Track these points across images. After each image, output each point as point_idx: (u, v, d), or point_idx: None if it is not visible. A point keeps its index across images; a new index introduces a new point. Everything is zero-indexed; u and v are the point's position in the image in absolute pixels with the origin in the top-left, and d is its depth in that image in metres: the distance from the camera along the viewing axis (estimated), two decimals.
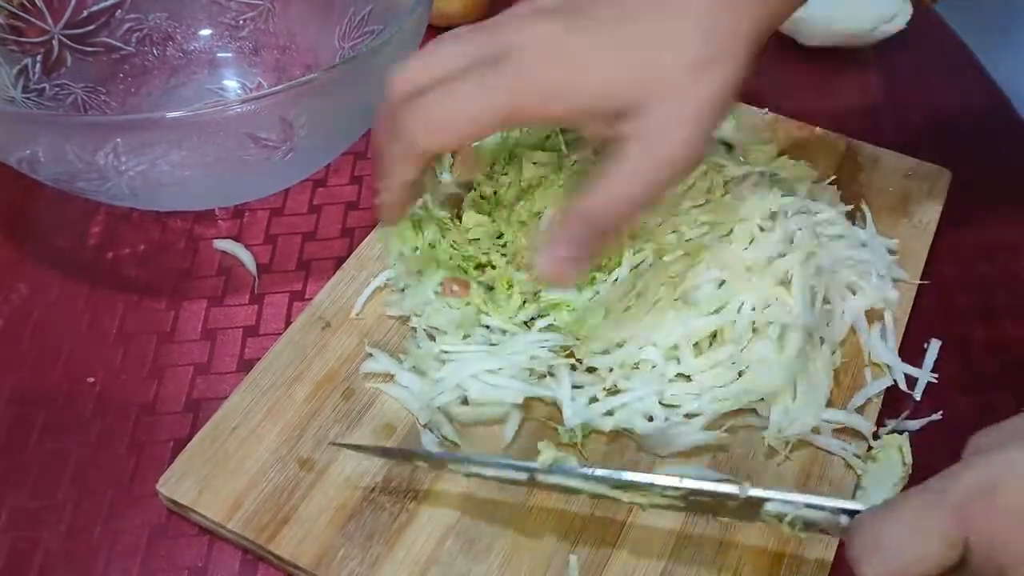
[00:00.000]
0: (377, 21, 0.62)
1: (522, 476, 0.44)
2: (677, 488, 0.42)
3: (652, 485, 0.42)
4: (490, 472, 0.45)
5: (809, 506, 0.40)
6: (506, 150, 0.60)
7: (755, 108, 0.65)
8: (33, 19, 0.61)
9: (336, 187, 0.63)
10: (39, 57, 0.61)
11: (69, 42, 0.62)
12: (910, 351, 0.54)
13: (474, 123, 0.43)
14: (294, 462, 0.48)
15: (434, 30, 0.72)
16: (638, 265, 0.52)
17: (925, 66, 0.74)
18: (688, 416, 0.49)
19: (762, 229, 0.53)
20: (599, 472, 0.43)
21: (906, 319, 0.55)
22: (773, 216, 0.53)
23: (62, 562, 0.47)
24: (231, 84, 0.67)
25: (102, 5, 0.63)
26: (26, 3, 0.60)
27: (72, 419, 0.52)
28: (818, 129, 0.65)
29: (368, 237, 0.58)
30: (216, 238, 0.60)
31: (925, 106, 0.71)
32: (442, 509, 0.47)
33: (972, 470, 0.35)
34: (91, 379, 0.53)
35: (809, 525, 0.41)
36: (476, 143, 0.59)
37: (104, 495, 0.49)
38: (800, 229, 0.53)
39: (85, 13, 0.63)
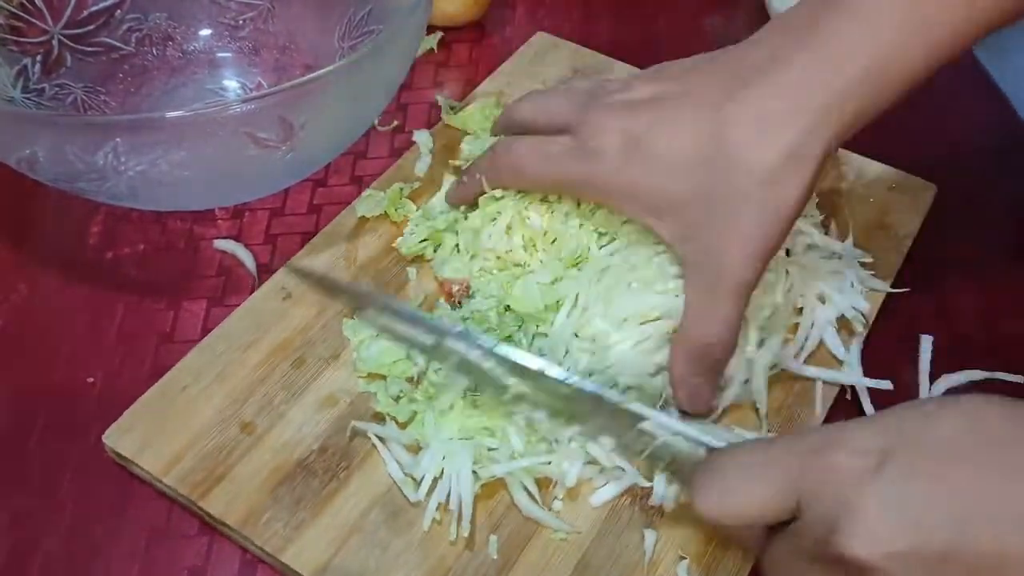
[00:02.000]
0: (377, 21, 0.62)
1: (430, 339, 0.45)
2: (564, 383, 0.43)
3: (542, 374, 0.44)
4: (401, 327, 0.46)
5: (677, 434, 0.42)
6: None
7: None
8: (33, 19, 0.61)
9: (336, 187, 0.63)
10: (39, 57, 0.61)
11: (69, 42, 0.62)
12: (906, 365, 0.54)
13: (550, 185, 0.51)
14: (236, 424, 0.49)
15: (434, 30, 0.73)
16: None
17: None
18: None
19: None
20: (499, 348, 0.44)
21: (866, 332, 0.54)
22: None
23: (62, 562, 0.47)
24: (231, 84, 0.66)
25: (102, 5, 0.63)
26: (26, 3, 0.60)
27: (72, 419, 0.52)
28: None
29: (339, 215, 0.59)
30: (216, 238, 0.60)
31: (924, 106, 0.70)
32: (372, 481, 0.48)
33: (818, 432, 0.37)
34: (91, 379, 0.53)
35: (671, 463, 0.42)
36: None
37: (104, 495, 0.49)
38: None
39: (85, 13, 0.63)
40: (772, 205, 0.43)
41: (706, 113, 0.44)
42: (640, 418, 0.43)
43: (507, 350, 0.44)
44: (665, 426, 0.42)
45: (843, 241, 0.57)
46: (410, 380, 0.50)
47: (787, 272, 0.52)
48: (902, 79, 0.43)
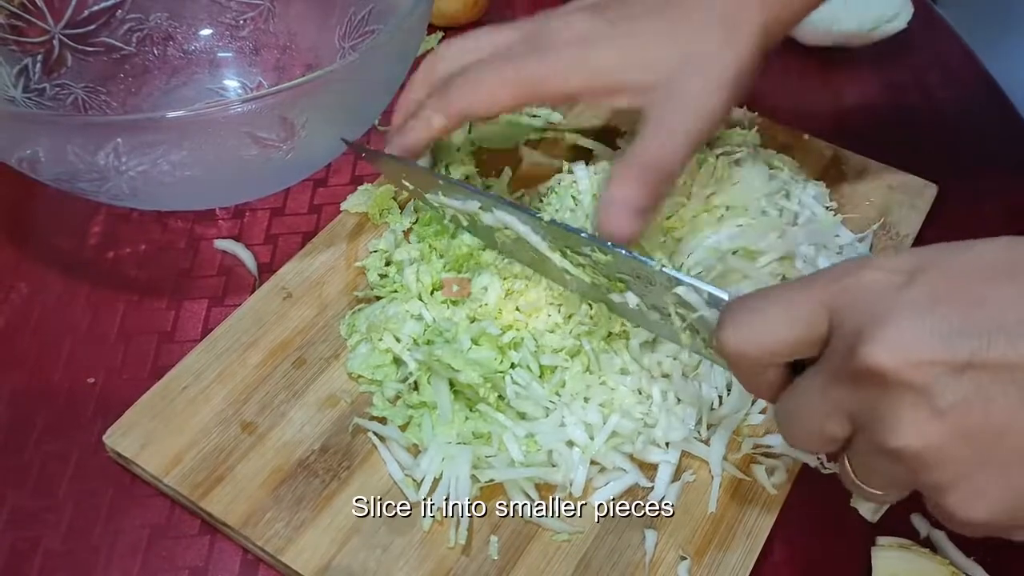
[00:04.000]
0: (377, 21, 0.62)
1: (475, 204, 0.49)
2: (605, 251, 0.44)
3: (585, 241, 0.45)
4: (455, 201, 0.50)
5: (712, 297, 0.41)
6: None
7: (737, 108, 0.65)
8: (33, 19, 0.61)
9: (336, 187, 0.63)
10: (39, 57, 0.61)
11: (69, 42, 0.62)
12: None
13: (507, 94, 0.48)
14: (237, 424, 0.49)
15: (434, 30, 0.73)
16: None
17: (925, 66, 0.74)
18: None
19: (764, 212, 0.54)
20: (546, 216, 0.46)
21: None
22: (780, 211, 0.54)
23: (62, 562, 0.47)
24: (231, 84, 0.66)
25: (102, 5, 0.63)
26: (26, 3, 0.60)
27: (72, 419, 0.52)
28: (806, 135, 0.65)
29: (339, 216, 0.59)
30: (216, 238, 0.60)
31: (925, 106, 0.71)
32: (373, 481, 0.48)
33: (851, 260, 0.37)
34: (91, 379, 0.53)
35: (700, 329, 0.42)
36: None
37: (104, 495, 0.49)
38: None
39: (85, 13, 0.63)
40: (732, 56, 0.46)
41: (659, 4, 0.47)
42: (676, 283, 0.42)
43: (554, 221, 0.46)
44: (695, 286, 0.41)
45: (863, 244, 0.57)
46: (404, 382, 0.50)
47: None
48: None
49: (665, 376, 0.50)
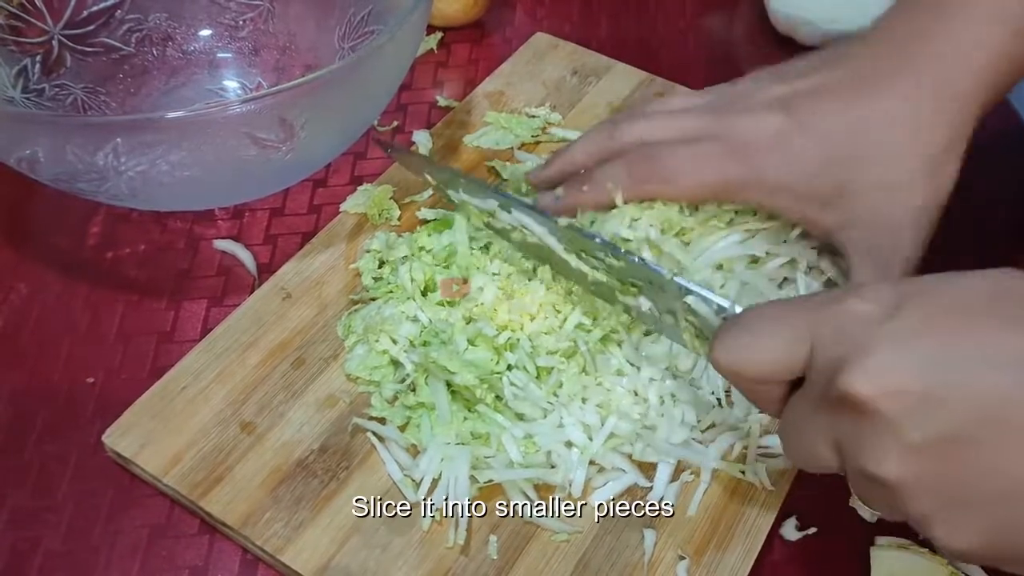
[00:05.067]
0: (377, 21, 0.62)
1: (493, 203, 0.50)
2: (618, 257, 0.45)
3: (601, 246, 0.46)
4: (475, 200, 0.51)
5: (720, 308, 0.41)
6: None
7: None
8: (33, 19, 0.61)
9: (336, 187, 0.63)
10: (39, 57, 0.61)
11: (69, 42, 0.62)
12: None
13: (703, 193, 0.49)
14: (236, 424, 0.49)
15: (434, 30, 0.73)
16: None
17: None
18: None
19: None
20: (563, 222, 0.48)
21: None
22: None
23: (62, 562, 0.47)
24: (231, 84, 0.66)
25: (102, 5, 0.63)
26: (26, 3, 0.60)
27: (72, 419, 0.52)
28: None
29: (339, 216, 0.59)
30: (216, 238, 0.60)
31: None
32: (372, 481, 0.48)
33: (837, 289, 0.38)
34: (91, 379, 0.53)
35: (709, 336, 0.43)
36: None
37: (104, 495, 0.49)
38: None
39: (85, 13, 0.63)
40: (934, 190, 0.46)
41: (860, 107, 0.46)
42: (686, 292, 0.43)
43: (570, 225, 0.48)
44: (704, 296, 0.42)
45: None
46: (402, 383, 0.50)
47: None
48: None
49: (661, 379, 0.50)
